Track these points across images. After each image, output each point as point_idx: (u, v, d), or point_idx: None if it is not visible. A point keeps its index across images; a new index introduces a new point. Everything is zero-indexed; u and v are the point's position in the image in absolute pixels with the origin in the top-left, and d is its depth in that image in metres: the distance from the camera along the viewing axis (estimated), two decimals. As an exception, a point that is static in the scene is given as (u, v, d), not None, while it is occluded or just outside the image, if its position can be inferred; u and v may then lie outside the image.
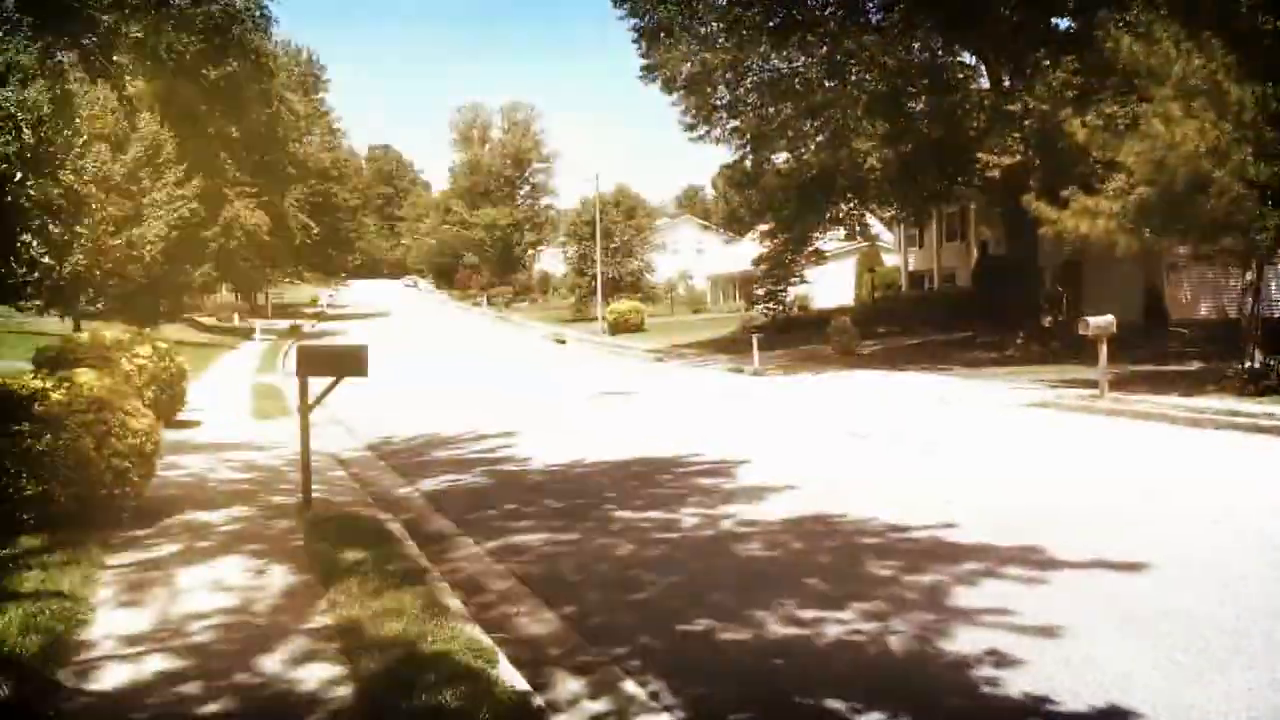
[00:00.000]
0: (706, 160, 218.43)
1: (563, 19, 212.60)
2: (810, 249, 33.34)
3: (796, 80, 26.92)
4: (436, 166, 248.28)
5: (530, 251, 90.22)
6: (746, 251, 65.27)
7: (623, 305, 45.08)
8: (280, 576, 6.01)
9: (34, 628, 4.76)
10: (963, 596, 5.60)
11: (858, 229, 33.73)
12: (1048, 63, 21.66)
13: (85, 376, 7.53)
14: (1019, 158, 21.20)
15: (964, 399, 17.32)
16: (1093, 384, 17.90)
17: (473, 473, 10.31)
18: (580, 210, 59.61)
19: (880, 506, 7.79)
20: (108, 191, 16.23)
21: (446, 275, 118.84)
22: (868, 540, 6.85)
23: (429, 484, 9.64)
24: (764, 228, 33.29)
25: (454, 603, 5.44)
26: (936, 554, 6.45)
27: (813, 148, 27.42)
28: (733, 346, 33.71)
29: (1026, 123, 20.76)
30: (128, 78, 38.68)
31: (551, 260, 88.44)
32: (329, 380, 7.97)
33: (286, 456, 11.17)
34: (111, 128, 31.20)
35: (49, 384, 7.29)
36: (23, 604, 5.09)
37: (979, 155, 21.48)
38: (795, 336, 34.34)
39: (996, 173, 21.64)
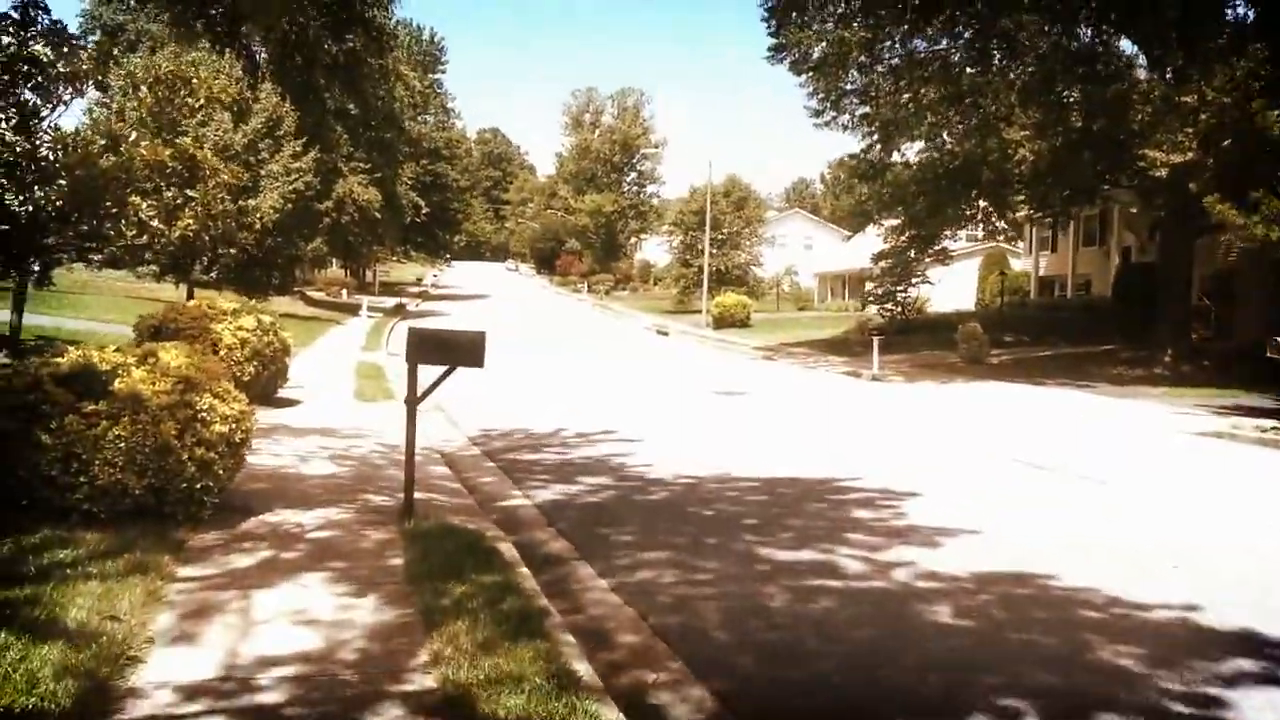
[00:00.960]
0: (816, 153, 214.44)
1: (679, 6, 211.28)
2: (937, 247, 31.35)
3: (937, 64, 25.06)
4: (543, 151, 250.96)
5: (633, 240, 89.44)
6: (859, 249, 63.02)
7: (728, 299, 43.68)
8: (373, 609, 5.00)
9: (73, 669, 3.84)
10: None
11: (996, 227, 31.52)
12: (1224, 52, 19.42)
13: (171, 353, 6.70)
14: (1190, 155, 19.02)
15: (1124, 423, 15.48)
16: (1269, 413, 15.88)
17: (589, 481, 9.23)
18: (689, 199, 58.37)
19: (1090, 566, 6.36)
20: (226, 160, 15.73)
21: (547, 260, 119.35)
22: (1089, 614, 5.45)
23: (541, 493, 8.58)
24: (893, 222, 31.38)
25: (583, 668, 4.33)
26: (1192, 645, 5.03)
27: (953, 137, 25.47)
28: (845, 348, 32.08)
29: (1203, 116, 18.58)
30: (253, 47, 39.29)
31: (654, 249, 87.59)
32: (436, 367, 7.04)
33: (387, 447, 10.32)
34: (234, 97, 31.42)
35: (131, 359, 6.49)
36: (67, 633, 4.20)
37: (1145, 152, 19.35)
38: (913, 340, 32.43)
39: (1163, 171, 19.47)
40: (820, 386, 21.67)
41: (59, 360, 6.29)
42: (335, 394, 15.13)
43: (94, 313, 24.39)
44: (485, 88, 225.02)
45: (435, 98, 67.50)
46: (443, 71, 68.56)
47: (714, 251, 51.16)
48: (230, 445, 6.59)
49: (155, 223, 13.18)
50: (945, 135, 26.16)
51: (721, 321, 43.02)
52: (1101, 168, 23.32)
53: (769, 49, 28.09)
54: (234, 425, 6.62)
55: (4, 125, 12.88)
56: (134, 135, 13.50)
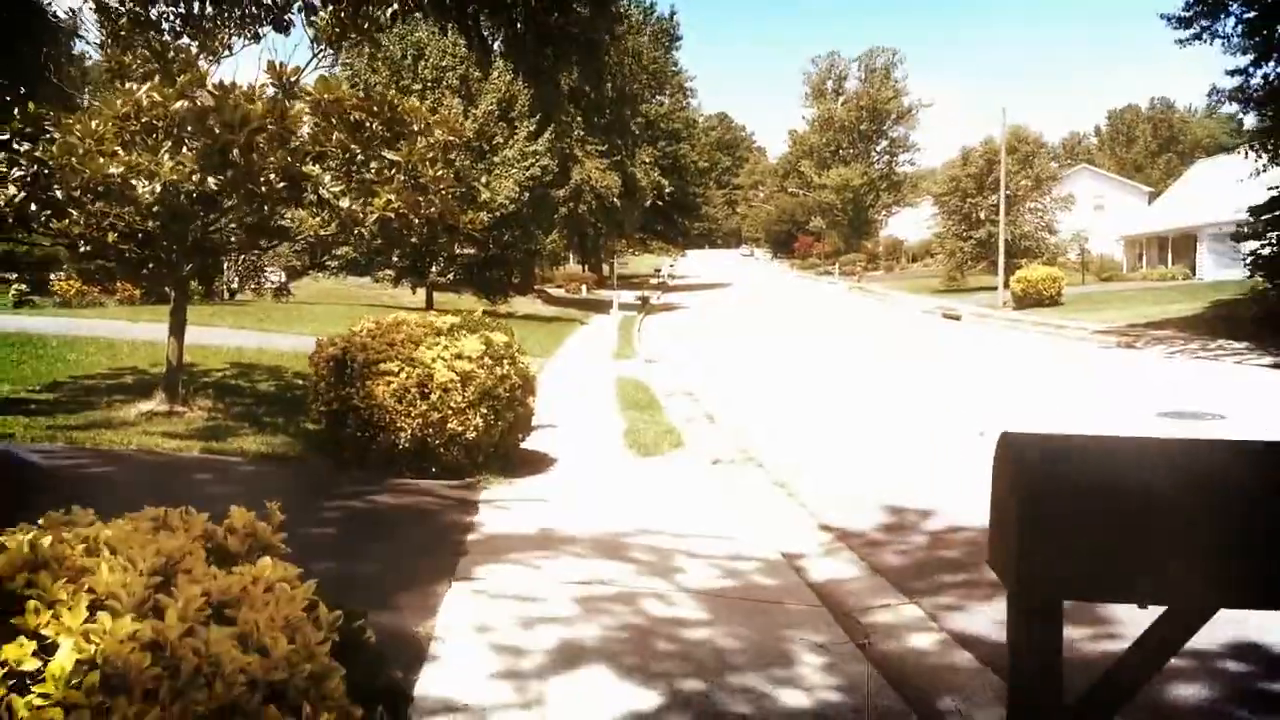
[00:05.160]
0: (1085, 104, 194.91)
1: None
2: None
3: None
4: (773, 132, 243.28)
5: (883, 214, 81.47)
6: (1176, 205, 52.42)
7: (1035, 272, 36.09)
8: None
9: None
10: None
11: None
12: None
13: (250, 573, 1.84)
14: None
15: None
16: None
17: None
18: (961, 162, 50.52)
19: None
20: (457, 147, 11.62)
21: (784, 244, 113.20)
22: None
23: None
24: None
25: None
26: None
27: None
28: (1227, 327, 24.17)
29: None
30: (481, 23, 36.32)
31: (904, 225, 79.36)
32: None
33: (721, 576, 5.27)
34: (461, 75, 28.22)
35: (107, 532, 1.68)
36: None
37: None
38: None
39: None
40: None
41: None
42: (599, 441, 10.39)
43: (319, 326, 21.50)
44: (711, 69, 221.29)
45: (673, 77, 63.18)
46: (678, 49, 64.18)
47: (997, 218, 43.36)
48: None
49: (345, 202, 8.85)
50: None
51: (1024, 300, 35.58)
52: None
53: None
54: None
55: (132, 85, 9.03)
56: (311, 76, 9.33)
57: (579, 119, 41.12)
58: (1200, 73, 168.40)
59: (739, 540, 6.44)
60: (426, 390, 7.58)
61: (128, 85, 8.33)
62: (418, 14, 30.45)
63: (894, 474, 8.84)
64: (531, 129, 29.65)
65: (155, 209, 8.44)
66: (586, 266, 66.59)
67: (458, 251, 28.56)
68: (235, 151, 7.98)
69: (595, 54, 40.94)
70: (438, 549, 5.88)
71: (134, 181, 8.17)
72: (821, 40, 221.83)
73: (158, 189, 8.12)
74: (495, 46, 35.43)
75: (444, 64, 28.34)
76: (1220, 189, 45.06)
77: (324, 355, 7.99)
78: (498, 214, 26.88)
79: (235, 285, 29.96)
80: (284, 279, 33.54)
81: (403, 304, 31.37)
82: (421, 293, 32.29)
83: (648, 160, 52.15)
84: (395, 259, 31.14)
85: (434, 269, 30.10)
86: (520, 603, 4.91)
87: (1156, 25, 22.89)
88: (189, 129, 7.71)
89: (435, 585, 5.12)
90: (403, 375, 7.59)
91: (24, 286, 21.29)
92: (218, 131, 7.62)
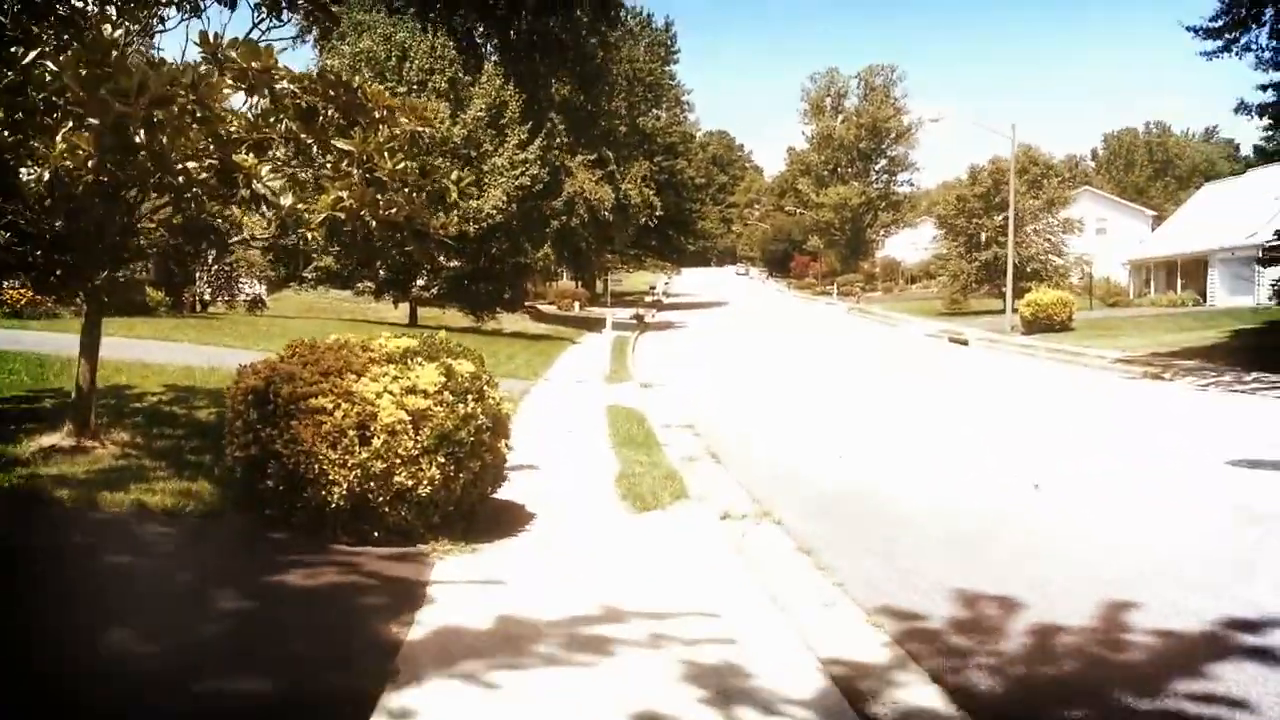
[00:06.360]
0: (1083, 128, 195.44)
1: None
2: None
3: None
4: (769, 154, 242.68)
5: (881, 234, 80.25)
6: (1180, 231, 51.30)
7: (1046, 296, 34.67)
8: None
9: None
10: None
11: None
12: None
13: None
14: None
15: None
16: None
17: None
18: (968, 181, 49.27)
19: None
20: (427, 141, 10.02)
21: (780, 263, 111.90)
22: None
23: None
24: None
25: None
26: None
27: None
28: (1255, 358, 22.75)
29: None
30: (469, 25, 34.92)
31: (901, 245, 78.21)
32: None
33: (742, 697, 3.71)
34: (450, 79, 26.79)
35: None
36: None
37: None
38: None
39: None
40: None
41: None
42: (587, 488, 8.83)
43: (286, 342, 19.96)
44: (709, 89, 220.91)
45: (669, 90, 61.82)
46: (675, 61, 62.82)
47: (1004, 239, 42.12)
48: None
49: (285, 200, 7.32)
50: None
51: (1033, 324, 34.17)
52: None
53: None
54: None
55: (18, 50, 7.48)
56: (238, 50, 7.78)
57: (570, 128, 39.66)
58: (1194, 96, 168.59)
59: (765, 642, 4.88)
60: (368, 433, 6.02)
61: (14, 51, 6.77)
62: (398, 10, 28.98)
63: (944, 538, 7.31)
64: (522, 137, 28.21)
65: (48, 202, 6.90)
66: (580, 283, 65.11)
67: (443, 264, 27.02)
68: (142, 132, 6.43)
69: (587, 62, 39.55)
70: (358, 661, 4.31)
71: (18, 168, 6.64)
72: (821, 59, 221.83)
73: (46, 176, 6.58)
74: (488, 53, 34.04)
75: (430, 66, 26.87)
76: (1230, 213, 43.90)
77: (243, 386, 6.42)
78: (485, 224, 25.37)
79: (206, 297, 28.34)
80: (262, 291, 31.93)
81: (385, 319, 29.76)
82: (405, 307, 30.74)
83: (644, 175, 50.74)
84: (380, 271, 29.61)
85: (418, 282, 28.56)
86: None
87: (1152, 47, 21.79)
88: (80, 99, 6.15)
89: (341, 735, 3.56)
90: (338, 414, 6.02)
91: (-30, 295, 19.67)
92: (114, 105, 6.07)
